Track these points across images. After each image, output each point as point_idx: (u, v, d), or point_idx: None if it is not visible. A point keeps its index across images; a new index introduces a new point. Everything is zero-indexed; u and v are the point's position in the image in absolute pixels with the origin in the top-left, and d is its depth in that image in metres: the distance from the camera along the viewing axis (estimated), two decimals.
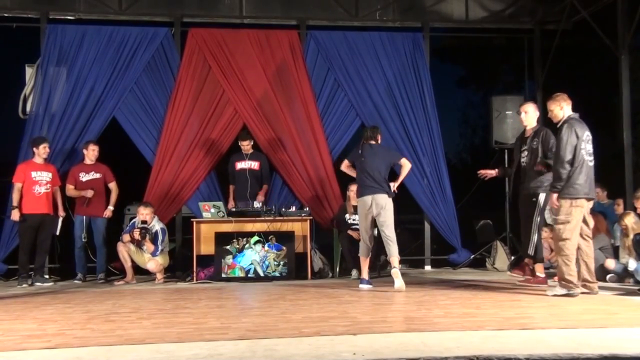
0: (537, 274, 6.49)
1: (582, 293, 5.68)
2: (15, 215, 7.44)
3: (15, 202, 7.46)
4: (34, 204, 7.49)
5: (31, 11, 8.82)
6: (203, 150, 8.66)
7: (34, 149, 7.68)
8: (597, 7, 8.71)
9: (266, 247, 7.57)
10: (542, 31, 9.73)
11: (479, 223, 9.38)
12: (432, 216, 9.01)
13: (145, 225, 7.60)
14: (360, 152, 6.69)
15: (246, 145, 8.32)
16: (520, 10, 9.70)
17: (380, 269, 7.72)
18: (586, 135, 5.59)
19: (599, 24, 8.53)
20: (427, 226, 9.19)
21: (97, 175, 8.00)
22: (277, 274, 7.53)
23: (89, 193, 7.84)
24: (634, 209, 6.82)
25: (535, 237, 6.39)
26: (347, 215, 7.94)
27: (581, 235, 5.70)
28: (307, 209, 8.05)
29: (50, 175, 7.67)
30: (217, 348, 3.60)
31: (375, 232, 6.79)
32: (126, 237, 7.64)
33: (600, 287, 5.89)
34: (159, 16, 9.13)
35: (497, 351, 3.34)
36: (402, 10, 9.51)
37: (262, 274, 7.51)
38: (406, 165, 6.68)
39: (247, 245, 7.57)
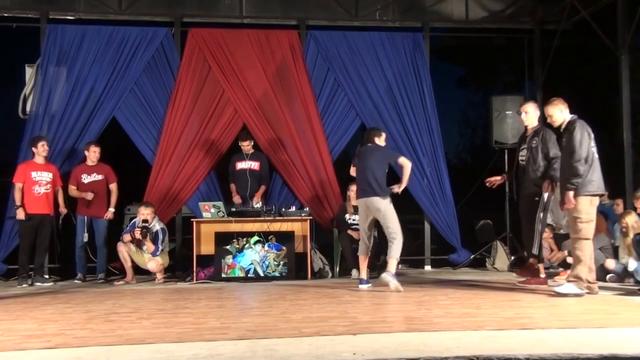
0: (524, 266, 6.51)
1: (552, 291, 5.69)
2: (20, 214, 7.42)
3: (18, 202, 7.46)
4: (33, 204, 7.50)
5: (31, 11, 8.82)
6: (203, 150, 8.67)
7: (33, 148, 7.69)
8: (597, 7, 8.72)
9: (266, 247, 7.57)
10: (542, 31, 9.73)
11: (479, 223, 9.38)
12: (432, 216, 9.01)
13: (146, 225, 7.60)
14: (357, 154, 6.73)
15: (246, 146, 8.32)
16: (520, 10, 9.70)
17: (380, 269, 7.70)
18: (592, 134, 5.68)
19: (599, 24, 8.53)
20: (427, 226, 9.19)
21: (99, 177, 8.01)
22: (277, 274, 7.53)
23: (89, 196, 7.84)
24: (634, 209, 6.82)
25: (539, 237, 6.37)
26: (347, 215, 7.94)
27: None
28: (307, 209, 8.06)
29: (50, 175, 7.67)
30: (217, 348, 3.60)
31: (375, 232, 6.79)
32: (127, 236, 7.64)
33: (600, 287, 5.88)
34: (159, 16, 9.14)
35: (497, 351, 3.34)
36: (402, 10, 9.51)
37: (262, 274, 7.51)
38: (406, 164, 6.50)
39: (247, 245, 7.57)
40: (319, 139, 8.80)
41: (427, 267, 9.08)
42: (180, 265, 8.36)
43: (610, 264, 6.75)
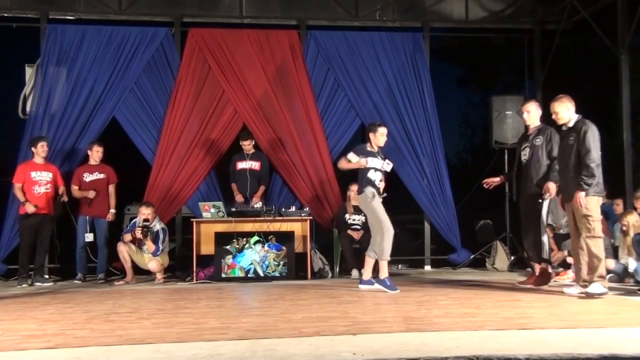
0: (537, 274, 6.48)
1: (582, 293, 5.69)
2: (30, 207, 7.40)
3: (23, 198, 7.44)
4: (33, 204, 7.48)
5: (31, 11, 8.82)
6: (203, 150, 8.67)
7: (33, 148, 7.69)
8: (597, 7, 8.72)
9: (266, 247, 7.57)
10: (542, 31, 9.73)
11: (479, 223, 9.38)
12: (432, 216, 9.01)
13: (147, 224, 7.60)
14: None
15: (247, 145, 8.32)
16: (520, 10, 9.70)
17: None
18: None
19: (599, 24, 8.54)
20: (427, 226, 9.18)
21: (101, 176, 8.01)
22: (277, 274, 7.53)
23: (91, 194, 7.85)
24: (634, 209, 6.82)
25: (545, 240, 6.35)
26: (347, 215, 7.95)
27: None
28: (307, 209, 8.05)
29: (50, 175, 7.67)
30: (217, 348, 3.60)
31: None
32: (127, 236, 7.64)
33: None
34: (158, 16, 9.14)
35: (497, 351, 3.34)
36: (402, 10, 9.51)
37: (262, 274, 7.51)
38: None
39: (247, 245, 7.57)
40: (319, 139, 8.80)
41: (427, 267, 9.08)
42: (180, 265, 8.36)
43: (610, 264, 6.73)
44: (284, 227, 7.78)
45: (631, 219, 6.60)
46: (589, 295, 5.46)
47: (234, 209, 7.87)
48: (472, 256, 8.90)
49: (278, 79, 8.89)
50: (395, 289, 6.18)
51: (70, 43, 8.62)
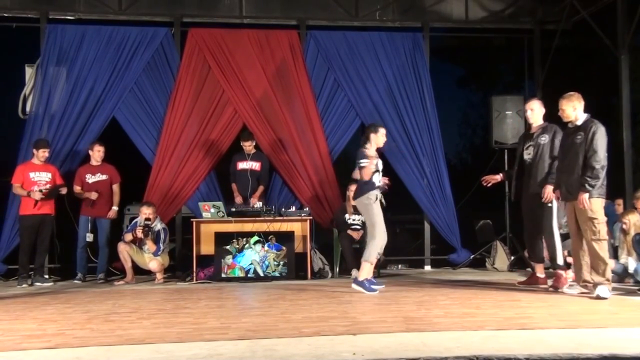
0: (537, 274, 6.47)
1: (582, 293, 5.69)
2: (37, 194, 7.38)
3: (25, 192, 7.43)
4: (33, 205, 7.48)
5: (31, 11, 8.82)
6: (203, 150, 8.67)
7: (34, 150, 7.69)
8: (597, 7, 8.72)
9: (266, 247, 7.57)
10: (542, 31, 9.73)
11: (478, 223, 9.37)
12: (432, 216, 9.01)
13: (149, 224, 7.60)
14: None
15: (248, 146, 8.31)
16: (520, 10, 9.70)
17: (379, 269, 7.71)
18: None
19: (598, 24, 8.54)
20: (427, 226, 9.18)
21: (104, 177, 8.01)
22: (277, 274, 7.53)
23: (94, 195, 7.85)
24: (634, 209, 6.82)
25: (558, 244, 6.23)
26: (346, 216, 7.94)
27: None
28: (307, 209, 8.05)
29: (49, 175, 7.66)
30: (217, 348, 3.60)
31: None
32: (128, 236, 7.64)
33: None
34: (158, 16, 9.14)
35: (497, 351, 3.34)
36: (402, 10, 9.51)
37: (262, 274, 7.51)
38: (357, 175, 6.49)
39: (247, 245, 7.57)
40: (319, 139, 8.80)
41: (427, 267, 9.07)
42: (180, 266, 8.36)
43: (610, 264, 6.73)
44: (284, 227, 7.78)
45: (632, 218, 6.60)
46: (599, 297, 5.41)
47: (234, 209, 7.87)
48: (472, 256, 8.90)
49: (278, 79, 8.89)
50: (373, 290, 6.06)
51: (70, 43, 8.62)
